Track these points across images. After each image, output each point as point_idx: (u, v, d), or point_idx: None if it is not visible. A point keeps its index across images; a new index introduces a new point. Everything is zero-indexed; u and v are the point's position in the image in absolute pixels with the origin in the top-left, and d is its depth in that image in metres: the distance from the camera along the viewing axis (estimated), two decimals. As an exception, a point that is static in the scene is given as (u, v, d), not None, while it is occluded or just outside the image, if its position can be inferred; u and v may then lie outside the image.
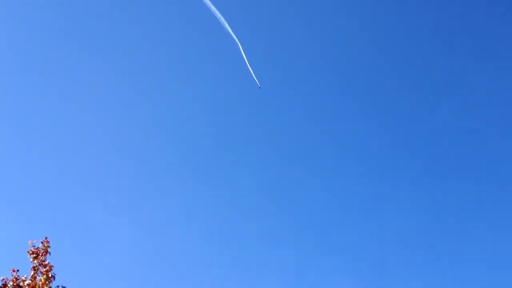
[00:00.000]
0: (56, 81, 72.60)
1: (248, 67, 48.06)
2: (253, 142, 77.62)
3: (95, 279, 59.21)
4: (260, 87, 51.29)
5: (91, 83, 72.19)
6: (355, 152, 79.52)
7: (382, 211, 75.57)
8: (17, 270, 19.05)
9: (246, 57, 48.03)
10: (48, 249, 19.48)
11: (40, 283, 18.65)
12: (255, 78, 48.21)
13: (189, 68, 78.04)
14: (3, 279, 18.80)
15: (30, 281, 18.70)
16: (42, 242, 19.63)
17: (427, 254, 72.95)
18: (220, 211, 71.89)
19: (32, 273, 18.99)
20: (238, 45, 48.14)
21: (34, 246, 19.53)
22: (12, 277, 18.86)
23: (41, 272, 19.01)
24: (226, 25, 47.50)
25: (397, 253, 72.74)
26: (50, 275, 18.87)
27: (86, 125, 72.96)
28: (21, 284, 18.70)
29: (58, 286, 18.93)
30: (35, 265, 19.16)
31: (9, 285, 18.66)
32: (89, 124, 72.99)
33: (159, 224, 69.57)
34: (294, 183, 76.84)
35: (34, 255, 19.31)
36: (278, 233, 73.30)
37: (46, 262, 19.21)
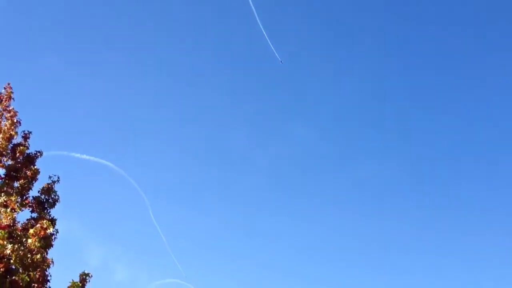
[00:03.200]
0: None
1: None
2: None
3: (60, 126, 60.11)
4: (281, 62, 59.83)
5: None
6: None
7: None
8: (-19, 116, 19.11)
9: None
10: (12, 95, 19.47)
11: (6, 128, 18.82)
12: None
13: None
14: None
15: (-5, 126, 18.82)
16: (4, 88, 19.61)
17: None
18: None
19: (-4, 118, 19.07)
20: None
21: (-4, 92, 19.44)
22: (-24, 121, 18.97)
23: (5, 118, 19.11)
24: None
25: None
26: (15, 121, 19.05)
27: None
28: (-15, 128, 18.82)
29: (24, 131, 19.23)
30: (-1, 110, 19.20)
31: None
32: None
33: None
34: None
35: (-3, 100, 19.27)
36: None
37: (10, 108, 19.29)
